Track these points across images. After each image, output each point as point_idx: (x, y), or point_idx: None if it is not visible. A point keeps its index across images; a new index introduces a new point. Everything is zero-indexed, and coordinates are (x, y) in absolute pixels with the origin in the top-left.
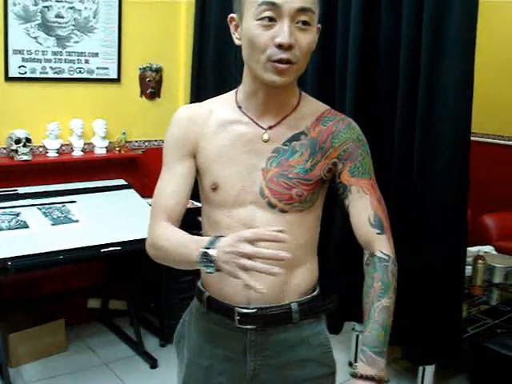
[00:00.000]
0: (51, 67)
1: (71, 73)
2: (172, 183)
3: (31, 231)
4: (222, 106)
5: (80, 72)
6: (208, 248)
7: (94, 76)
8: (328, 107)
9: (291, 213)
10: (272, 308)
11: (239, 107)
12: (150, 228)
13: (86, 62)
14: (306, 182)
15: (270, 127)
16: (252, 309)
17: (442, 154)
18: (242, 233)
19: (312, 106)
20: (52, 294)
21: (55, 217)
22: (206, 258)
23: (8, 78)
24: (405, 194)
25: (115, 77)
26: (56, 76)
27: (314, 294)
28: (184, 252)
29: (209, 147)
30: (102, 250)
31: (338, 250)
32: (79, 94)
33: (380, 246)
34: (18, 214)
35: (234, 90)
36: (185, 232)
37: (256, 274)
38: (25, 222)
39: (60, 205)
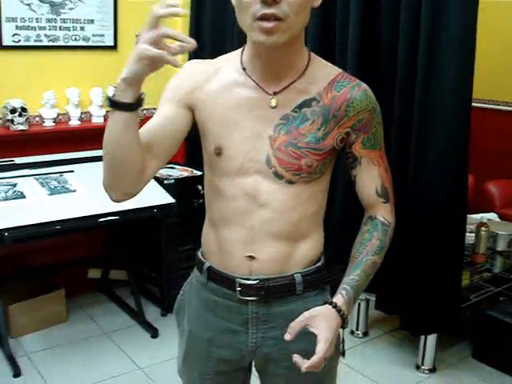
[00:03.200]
0: (46, 35)
1: (66, 40)
2: (154, 119)
3: (28, 202)
4: (228, 67)
5: (75, 40)
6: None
7: (89, 43)
8: (340, 70)
9: (298, 184)
10: (275, 279)
11: (244, 69)
12: None
13: (82, 29)
14: (316, 151)
15: (276, 93)
16: (254, 280)
17: (442, 118)
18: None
19: (323, 70)
20: (52, 265)
21: (52, 187)
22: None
23: (2, 47)
24: (404, 159)
25: (111, 44)
26: (51, 44)
27: (319, 264)
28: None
29: (209, 106)
30: (100, 220)
31: (341, 218)
32: (75, 62)
33: (384, 213)
34: (14, 185)
35: (240, 50)
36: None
37: (257, 243)
38: (21, 192)
39: (57, 175)
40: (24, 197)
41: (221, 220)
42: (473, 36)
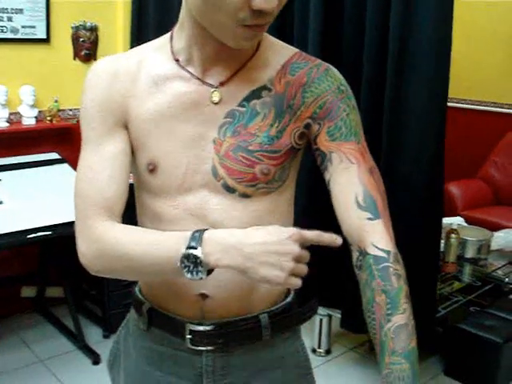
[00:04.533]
0: None
1: None
2: (105, 166)
3: None
4: (154, 56)
5: (2, 31)
6: (192, 247)
7: (18, 36)
8: (297, 50)
9: (256, 197)
10: (235, 322)
11: (176, 60)
12: (87, 232)
13: (9, 19)
14: (272, 154)
15: (222, 83)
16: (208, 325)
17: (415, 121)
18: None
19: (276, 50)
20: None
21: None
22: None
23: None
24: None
25: (44, 36)
26: None
27: (288, 300)
28: (165, 252)
29: (141, 112)
30: (29, 236)
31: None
32: (2, 56)
33: (373, 237)
34: None
35: (168, 35)
36: (146, 229)
37: (210, 276)
38: None
39: None
40: None
41: None
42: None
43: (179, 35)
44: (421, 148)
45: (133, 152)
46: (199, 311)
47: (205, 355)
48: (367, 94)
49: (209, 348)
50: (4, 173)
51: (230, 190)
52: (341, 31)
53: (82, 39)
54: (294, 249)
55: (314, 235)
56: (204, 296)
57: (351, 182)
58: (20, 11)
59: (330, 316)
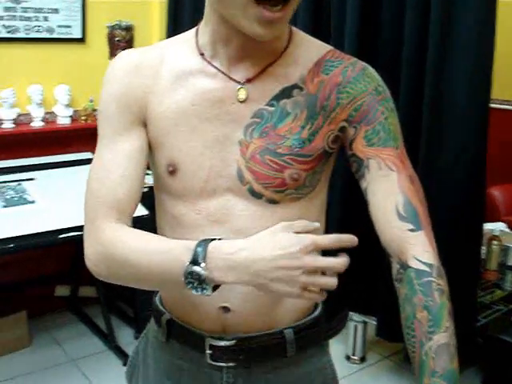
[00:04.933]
0: (4, 25)
1: (27, 32)
2: (119, 165)
3: None
4: (178, 51)
5: (38, 31)
6: (196, 262)
7: (54, 35)
8: (331, 47)
9: (284, 203)
10: (258, 338)
11: (202, 54)
12: (94, 234)
13: (45, 19)
14: (303, 158)
15: (249, 80)
16: (230, 340)
17: (456, 119)
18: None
19: (308, 47)
20: (11, 283)
21: (8, 197)
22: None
23: None
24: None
25: (79, 36)
26: (10, 36)
27: (316, 314)
28: (168, 264)
29: (161, 110)
30: (61, 236)
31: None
32: (38, 56)
33: (416, 250)
34: None
35: (193, 30)
36: (154, 234)
37: (232, 289)
38: None
39: (15, 183)
40: None
41: None
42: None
43: (204, 30)
44: (461, 149)
45: (151, 151)
46: (220, 325)
47: (225, 371)
48: (405, 94)
49: (230, 364)
50: (38, 172)
51: (256, 195)
52: (378, 30)
53: (117, 39)
54: (306, 262)
55: (331, 241)
56: (225, 309)
57: (391, 191)
58: (55, 11)
59: (365, 323)
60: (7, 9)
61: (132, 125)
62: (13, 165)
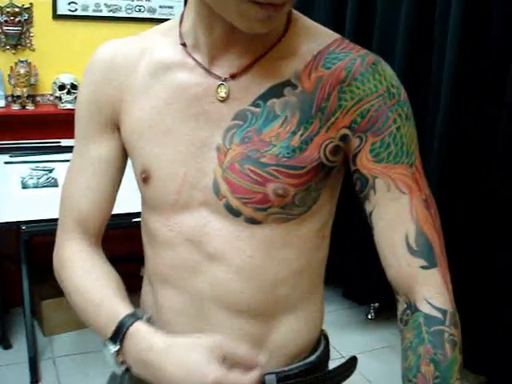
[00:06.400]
0: (106, 4)
1: (129, 11)
2: (84, 175)
3: (59, 191)
4: (160, 41)
5: (139, 11)
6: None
7: (155, 16)
8: (339, 36)
9: (267, 224)
10: None
11: (183, 44)
12: (57, 244)
13: None
14: (292, 170)
15: (233, 76)
16: None
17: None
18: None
19: (310, 37)
20: None
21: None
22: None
23: (56, 16)
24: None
25: None
26: (111, 15)
27: (313, 357)
28: (97, 321)
29: (135, 110)
30: (134, 220)
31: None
32: None
33: (427, 291)
34: (50, 171)
35: (177, 19)
36: (110, 270)
37: (207, 318)
38: (56, 179)
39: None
40: (56, 185)
41: (156, 276)
42: None
43: (187, 15)
44: None
45: (130, 158)
46: None
47: None
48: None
49: None
50: None
51: (233, 212)
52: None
53: None
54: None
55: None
56: None
57: (401, 218)
58: None
59: None
60: None
61: (102, 129)
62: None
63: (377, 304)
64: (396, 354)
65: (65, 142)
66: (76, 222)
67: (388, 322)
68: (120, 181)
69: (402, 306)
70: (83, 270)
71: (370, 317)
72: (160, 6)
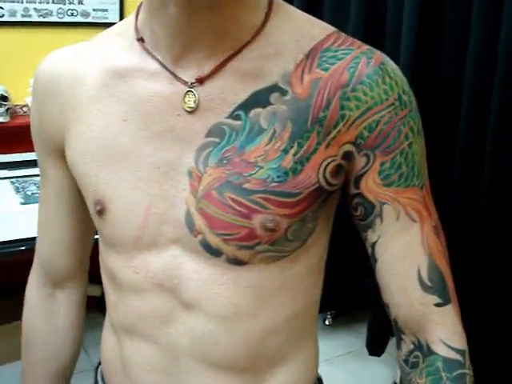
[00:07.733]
0: (35, 9)
1: (61, 16)
2: (43, 209)
3: None
4: (112, 44)
5: (72, 15)
6: None
7: (89, 20)
8: (334, 29)
9: (254, 265)
10: None
11: (140, 40)
12: (29, 280)
13: (80, 2)
14: (284, 198)
15: (201, 80)
16: None
17: None
18: None
19: (298, 29)
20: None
21: (29, 193)
22: None
23: None
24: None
25: (117, 20)
26: (42, 20)
27: None
28: None
29: (82, 130)
30: None
31: None
32: (71, 41)
33: (444, 331)
34: None
35: (135, 9)
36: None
37: (184, 376)
38: None
39: (39, 177)
40: None
41: (121, 326)
42: None
43: (144, 4)
44: None
45: (79, 185)
46: None
47: None
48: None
49: None
50: None
51: (212, 251)
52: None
53: None
54: None
55: None
56: None
57: (411, 250)
58: None
59: None
60: None
61: (48, 158)
62: None
63: (333, 311)
64: (358, 360)
65: None
66: (40, 267)
67: (346, 327)
68: (80, 213)
69: (407, 347)
70: (33, 328)
71: (327, 323)
72: (94, 10)
